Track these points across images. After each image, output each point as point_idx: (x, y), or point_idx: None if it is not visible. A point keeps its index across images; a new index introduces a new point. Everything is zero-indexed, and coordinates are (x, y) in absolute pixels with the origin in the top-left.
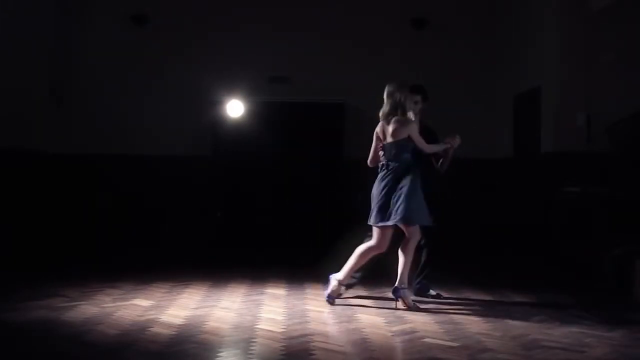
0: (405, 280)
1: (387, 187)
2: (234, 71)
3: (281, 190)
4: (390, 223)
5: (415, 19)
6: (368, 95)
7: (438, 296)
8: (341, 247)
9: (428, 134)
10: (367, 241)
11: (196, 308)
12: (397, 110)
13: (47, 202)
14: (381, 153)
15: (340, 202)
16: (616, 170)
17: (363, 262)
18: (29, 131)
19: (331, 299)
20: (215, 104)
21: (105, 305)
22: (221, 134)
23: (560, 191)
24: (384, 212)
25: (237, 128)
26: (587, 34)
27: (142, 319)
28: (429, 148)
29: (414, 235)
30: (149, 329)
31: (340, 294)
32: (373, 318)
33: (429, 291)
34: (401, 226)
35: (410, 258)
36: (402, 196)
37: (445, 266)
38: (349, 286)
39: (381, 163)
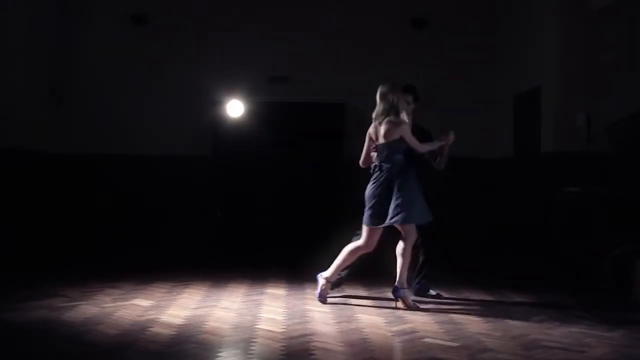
0: (405, 280)
1: (380, 188)
2: (234, 71)
3: (281, 190)
4: (387, 224)
5: (415, 19)
6: (368, 95)
7: (438, 296)
8: (341, 246)
9: (421, 134)
10: (355, 239)
11: (196, 308)
12: (391, 111)
13: (47, 202)
14: (374, 154)
15: (340, 202)
16: (616, 170)
17: (350, 261)
18: (29, 131)
19: (322, 298)
20: (215, 104)
21: (105, 305)
22: (221, 134)
23: (560, 191)
24: (378, 213)
25: (237, 128)
26: (587, 34)
27: (142, 319)
28: (422, 147)
29: (410, 234)
30: (149, 329)
31: (328, 293)
32: (373, 318)
33: (428, 291)
34: (397, 226)
35: (408, 258)
36: (398, 197)
37: (445, 266)
38: (335, 284)
39: (374, 164)
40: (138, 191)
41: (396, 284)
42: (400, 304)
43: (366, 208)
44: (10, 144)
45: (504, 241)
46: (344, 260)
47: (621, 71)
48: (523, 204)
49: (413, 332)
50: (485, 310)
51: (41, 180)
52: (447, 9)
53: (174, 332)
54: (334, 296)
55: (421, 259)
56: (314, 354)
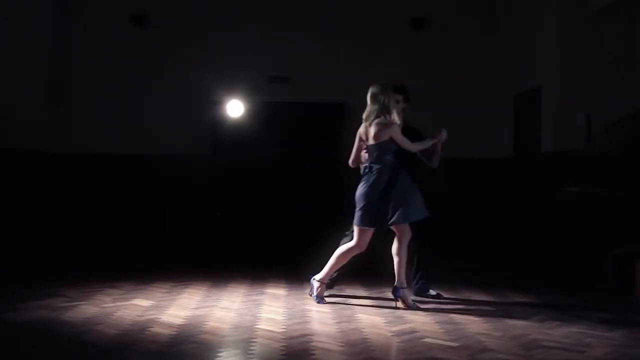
0: (404, 279)
1: (371, 189)
2: (234, 71)
3: (281, 190)
4: (383, 226)
5: (415, 19)
6: None
7: (438, 296)
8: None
9: (411, 134)
10: (345, 240)
11: (196, 308)
12: (381, 112)
13: (47, 202)
14: (365, 154)
15: (339, 202)
16: (616, 170)
17: (343, 262)
18: (29, 131)
19: (320, 299)
20: (215, 104)
21: (105, 305)
22: (221, 134)
23: (560, 191)
24: (369, 213)
25: (237, 128)
26: (587, 34)
27: (142, 319)
28: (414, 147)
29: (404, 233)
30: (149, 329)
31: (324, 294)
32: (373, 318)
33: (428, 291)
34: (392, 227)
35: (405, 257)
36: (391, 199)
37: (445, 266)
38: (329, 285)
39: (364, 165)
40: (138, 191)
41: (395, 284)
42: (400, 304)
43: (357, 209)
44: (10, 144)
45: (504, 241)
46: (337, 262)
47: (621, 71)
48: (523, 204)
49: (413, 332)
50: (485, 310)
51: (41, 180)
52: (447, 9)
53: (174, 332)
54: (333, 295)
55: (416, 259)
56: (314, 354)
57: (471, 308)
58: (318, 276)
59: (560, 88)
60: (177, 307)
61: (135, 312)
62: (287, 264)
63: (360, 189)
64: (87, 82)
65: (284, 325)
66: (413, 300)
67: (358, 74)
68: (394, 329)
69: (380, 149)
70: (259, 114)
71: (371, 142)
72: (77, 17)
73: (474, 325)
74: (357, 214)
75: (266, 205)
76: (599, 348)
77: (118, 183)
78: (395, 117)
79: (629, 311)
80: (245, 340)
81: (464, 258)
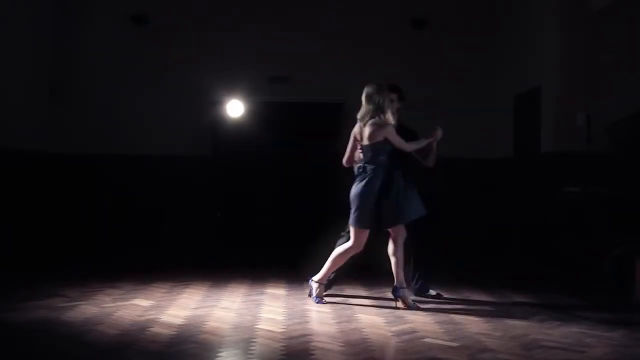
0: (403, 279)
1: (365, 189)
2: (234, 71)
3: (281, 190)
4: (380, 229)
5: (415, 19)
6: None
7: (438, 296)
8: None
9: (406, 134)
10: (342, 241)
11: (196, 308)
12: (376, 112)
13: (47, 202)
14: (359, 153)
15: (339, 202)
16: (616, 170)
17: (341, 263)
18: (29, 131)
19: (319, 300)
20: (215, 104)
21: (105, 305)
22: (221, 134)
23: (560, 191)
24: (364, 214)
25: (237, 128)
26: (587, 34)
27: (142, 319)
28: (409, 147)
29: (399, 234)
30: (149, 329)
31: (323, 294)
32: (373, 318)
33: (428, 291)
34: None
35: (402, 257)
36: (386, 201)
37: (445, 266)
38: (327, 286)
39: (358, 165)
40: (138, 191)
41: (395, 284)
42: (400, 304)
43: (352, 209)
44: (10, 144)
45: (504, 241)
46: (335, 263)
47: (621, 71)
48: (523, 204)
49: (413, 332)
50: (485, 310)
51: (41, 180)
52: (447, 9)
53: (174, 332)
54: (333, 295)
55: (413, 259)
56: (314, 354)
57: (471, 308)
58: (316, 277)
59: (560, 88)
60: (177, 307)
61: (135, 312)
62: (287, 264)
63: (355, 189)
64: (87, 82)
65: (284, 325)
66: (413, 300)
67: (358, 74)
68: (394, 329)
69: (375, 149)
70: (259, 114)
71: (366, 142)
72: (77, 17)
73: (474, 325)
74: (353, 215)
75: (266, 205)
76: (599, 348)
77: (118, 183)
78: (390, 117)
79: (629, 311)
80: (245, 340)
81: (464, 258)
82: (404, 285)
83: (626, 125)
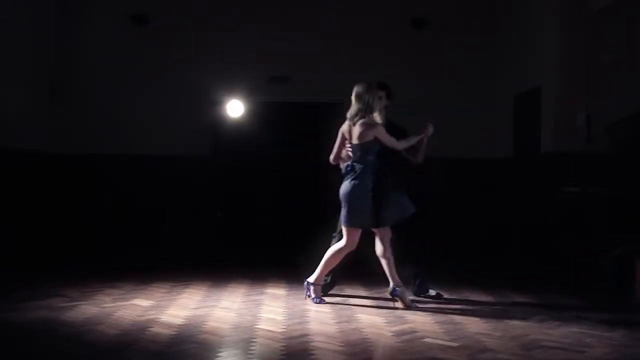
0: (398, 279)
1: (354, 188)
2: (234, 71)
3: (281, 190)
4: (369, 227)
5: (415, 19)
6: None
7: (438, 296)
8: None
9: (395, 131)
10: (335, 241)
11: (196, 308)
12: (366, 111)
13: (47, 202)
14: (348, 153)
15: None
16: (616, 170)
17: (335, 262)
18: (29, 131)
19: (318, 300)
20: (215, 104)
21: (105, 305)
22: (221, 134)
23: (560, 191)
24: (354, 213)
25: (237, 128)
26: (587, 34)
27: (142, 319)
28: (400, 145)
29: (385, 234)
30: (149, 329)
31: (321, 294)
32: (373, 318)
33: (428, 291)
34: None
35: (391, 258)
36: (373, 201)
37: (445, 266)
38: (325, 289)
39: (346, 164)
40: (138, 191)
41: (391, 284)
42: (398, 304)
43: (342, 209)
44: (10, 144)
45: (504, 241)
46: (329, 263)
47: (621, 71)
48: (523, 204)
49: (413, 332)
50: (485, 310)
51: (41, 180)
52: (447, 9)
53: (174, 332)
54: (333, 295)
55: (399, 257)
56: (314, 354)
57: (471, 308)
58: (311, 278)
59: (560, 88)
60: (177, 307)
61: (135, 312)
62: (287, 264)
63: (344, 188)
64: (87, 82)
65: (284, 325)
66: (411, 300)
67: (358, 74)
68: (394, 329)
69: (364, 149)
70: (259, 114)
71: (355, 141)
72: (77, 17)
73: (474, 325)
74: (344, 214)
75: (266, 205)
76: (599, 348)
77: (118, 183)
78: (377, 116)
79: (629, 311)
80: (245, 340)
81: (464, 258)
82: (400, 284)
83: (626, 125)
